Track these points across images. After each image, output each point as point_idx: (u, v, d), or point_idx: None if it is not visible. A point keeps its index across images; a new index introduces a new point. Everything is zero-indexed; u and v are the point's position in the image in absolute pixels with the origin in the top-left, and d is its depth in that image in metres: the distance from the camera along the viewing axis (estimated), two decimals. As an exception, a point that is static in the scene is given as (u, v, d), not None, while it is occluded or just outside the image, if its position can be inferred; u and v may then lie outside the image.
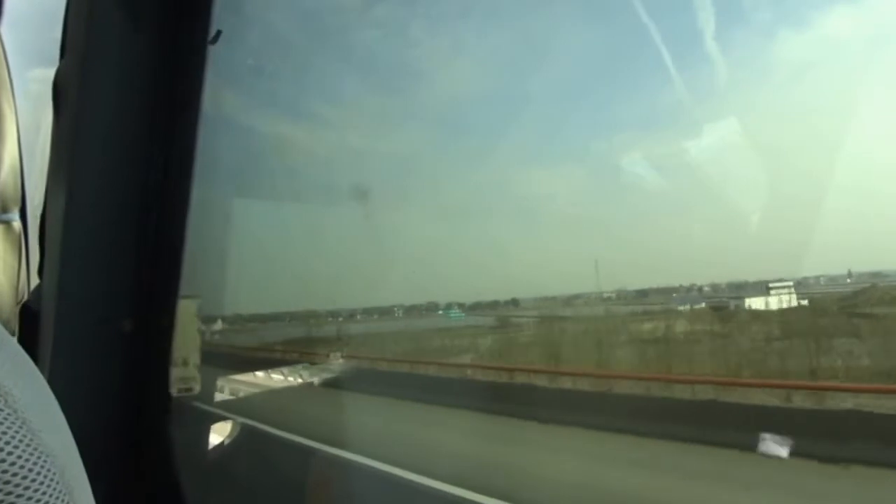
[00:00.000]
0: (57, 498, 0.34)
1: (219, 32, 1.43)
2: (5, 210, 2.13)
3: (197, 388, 6.31)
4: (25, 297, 1.58)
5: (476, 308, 15.61)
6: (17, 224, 2.14)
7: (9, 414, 0.33)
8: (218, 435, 2.09)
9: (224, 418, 2.30)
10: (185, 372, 6.53)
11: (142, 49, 1.41)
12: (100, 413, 1.41)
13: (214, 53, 1.48)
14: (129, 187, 1.45)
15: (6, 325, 1.65)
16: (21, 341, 1.54)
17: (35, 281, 1.64)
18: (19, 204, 2.17)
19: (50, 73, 1.65)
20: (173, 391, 1.47)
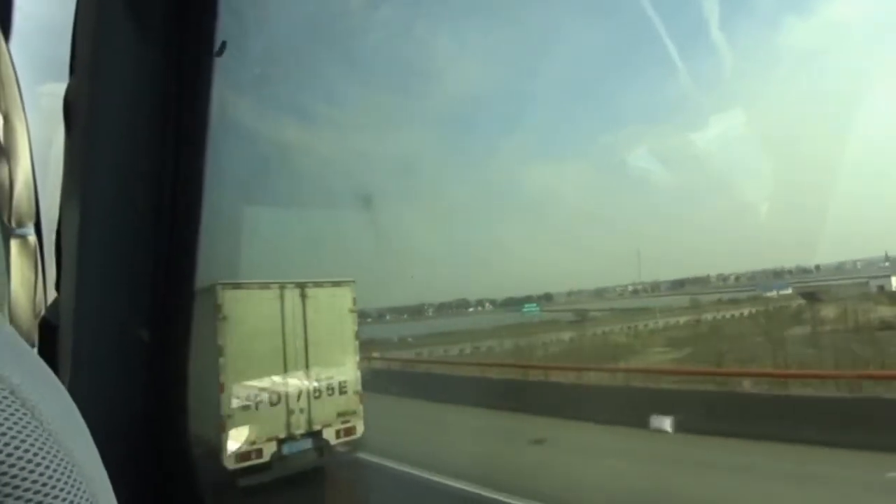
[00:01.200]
0: None
1: (224, 44, 1.43)
2: (20, 225, 2.16)
3: (360, 428, 6.27)
4: (43, 310, 1.61)
5: (509, 304, 15.40)
6: (32, 238, 2.18)
7: (36, 426, 0.33)
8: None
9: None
10: (342, 403, 6.01)
11: (150, 63, 1.42)
12: (120, 424, 1.42)
13: (221, 64, 1.49)
14: (142, 199, 1.47)
15: (26, 339, 1.68)
16: (41, 354, 1.57)
17: (52, 294, 1.66)
18: (34, 218, 2.21)
19: (59, 87, 1.67)
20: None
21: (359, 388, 6.32)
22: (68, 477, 0.34)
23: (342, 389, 6.24)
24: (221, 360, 5.41)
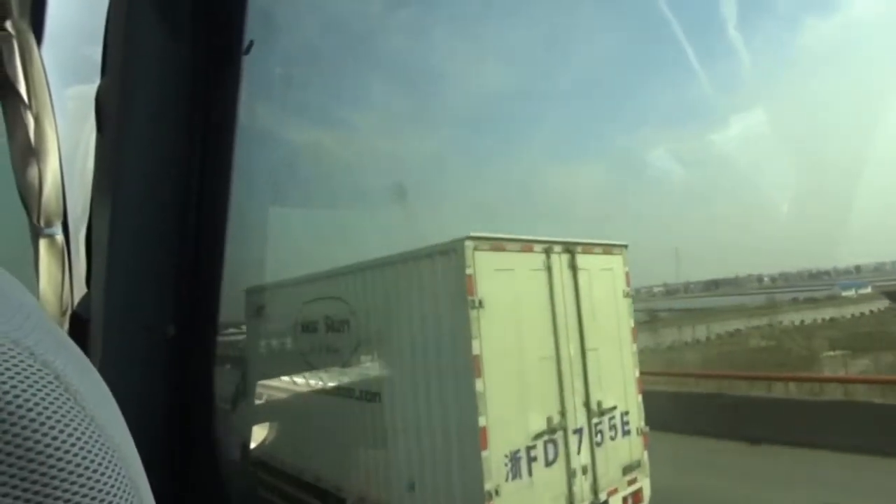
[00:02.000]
0: (124, 492, 0.35)
1: (251, 43, 1.46)
2: (49, 225, 2.20)
3: (647, 491, 3.77)
4: (70, 307, 1.64)
5: None
6: (59, 238, 2.21)
7: (78, 412, 0.34)
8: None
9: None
10: (627, 451, 3.64)
11: (179, 63, 1.45)
12: (148, 417, 1.44)
13: (249, 63, 1.51)
14: (171, 198, 1.49)
15: (54, 335, 1.71)
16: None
17: (80, 291, 1.69)
18: (61, 218, 2.25)
19: (87, 89, 1.71)
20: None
21: (643, 423, 4.16)
22: (109, 461, 0.35)
23: (625, 428, 4.03)
24: (478, 386, 3.08)
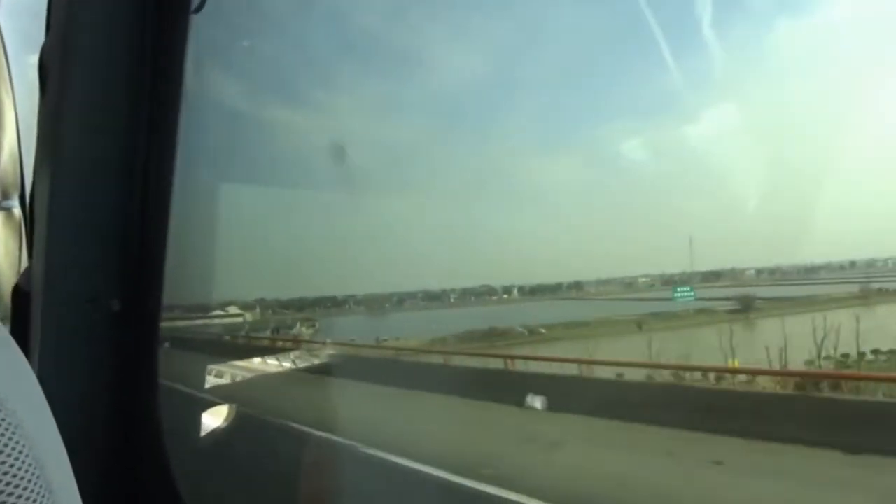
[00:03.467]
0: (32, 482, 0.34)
1: (203, 1, 1.37)
2: (6, 196, 2.13)
3: None
4: (25, 281, 1.56)
5: (537, 292, 14.54)
6: (17, 210, 2.14)
7: (2, 419, 0.34)
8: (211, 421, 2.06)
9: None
10: None
11: (124, 19, 1.36)
12: (88, 396, 1.38)
13: (202, 24, 1.43)
14: (114, 165, 1.41)
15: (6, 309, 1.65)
16: (14, 322, 1.51)
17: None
18: (19, 190, 2.17)
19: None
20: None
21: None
22: (31, 473, 0.34)
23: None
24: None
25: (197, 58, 1.43)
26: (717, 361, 8.24)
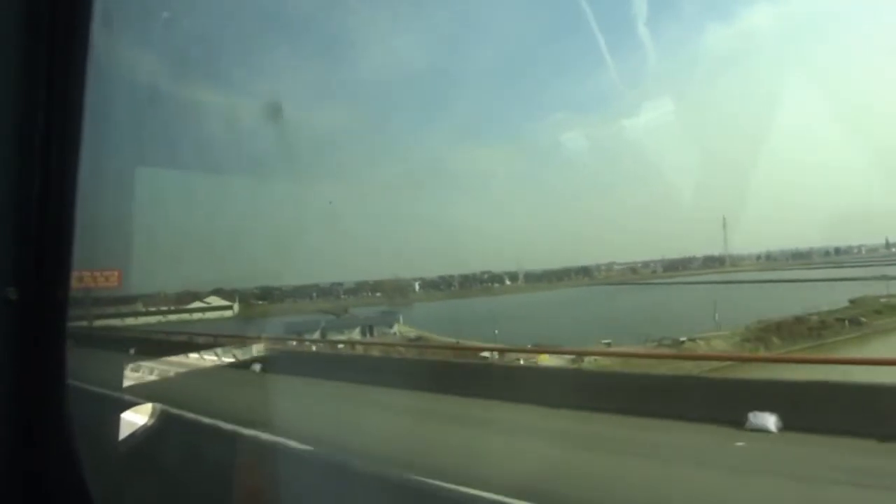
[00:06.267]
0: None
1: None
2: None
3: None
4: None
5: (543, 278, 14.25)
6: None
7: None
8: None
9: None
10: None
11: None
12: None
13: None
14: (12, 144, 1.28)
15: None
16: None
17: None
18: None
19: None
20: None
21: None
22: None
23: None
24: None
25: (105, 31, 1.32)
26: None
